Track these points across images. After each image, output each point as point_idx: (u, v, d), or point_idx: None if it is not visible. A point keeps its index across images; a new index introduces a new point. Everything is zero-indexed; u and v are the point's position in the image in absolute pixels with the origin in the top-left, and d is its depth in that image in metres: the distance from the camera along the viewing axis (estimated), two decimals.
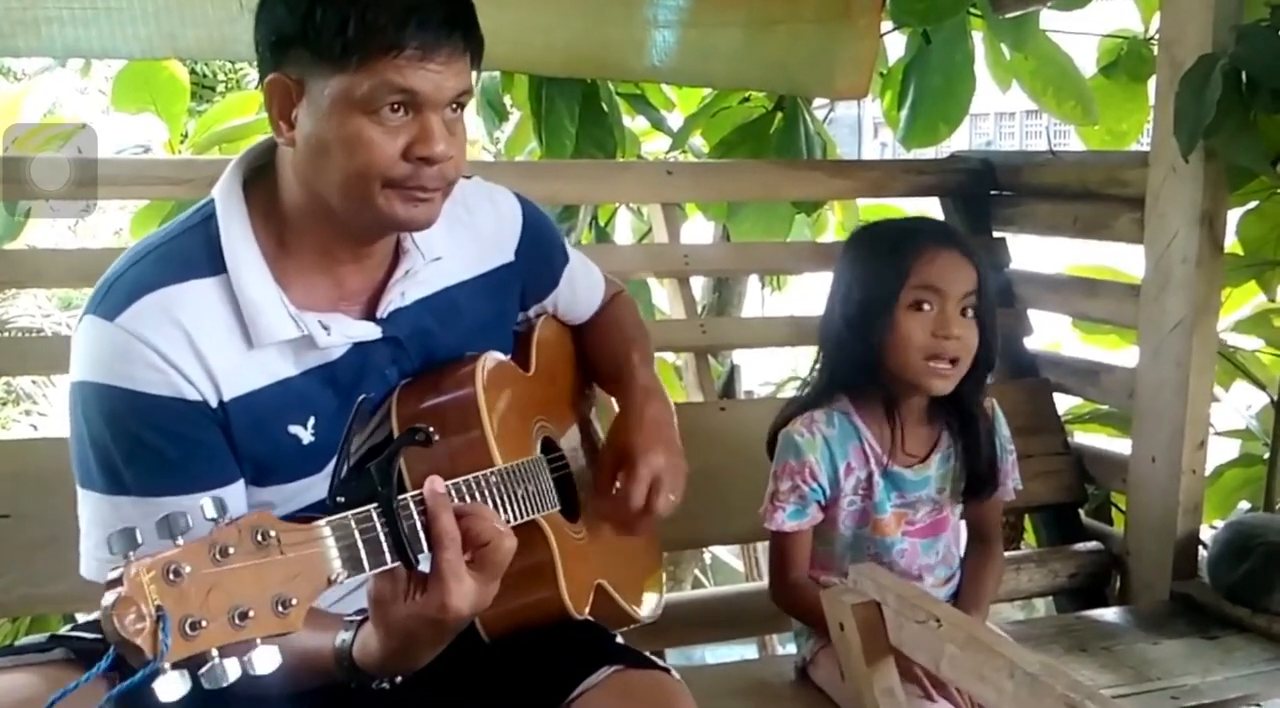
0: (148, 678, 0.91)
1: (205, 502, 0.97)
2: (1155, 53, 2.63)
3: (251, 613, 0.97)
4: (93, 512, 1.35)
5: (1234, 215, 2.54)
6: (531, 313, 1.74)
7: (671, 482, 1.60)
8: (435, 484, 1.17)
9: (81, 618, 1.64)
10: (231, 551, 0.97)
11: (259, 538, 1.00)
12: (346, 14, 1.26)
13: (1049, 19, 3.15)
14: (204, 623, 0.93)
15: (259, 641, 0.97)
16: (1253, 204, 2.64)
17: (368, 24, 1.26)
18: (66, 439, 2.14)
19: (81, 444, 1.34)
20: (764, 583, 2.02)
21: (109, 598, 0.91)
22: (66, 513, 1.99)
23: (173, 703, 0.92)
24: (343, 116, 1.29)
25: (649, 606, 1.71)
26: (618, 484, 1.59)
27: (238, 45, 2.52)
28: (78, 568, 1.99)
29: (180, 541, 0.95)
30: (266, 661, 0.97)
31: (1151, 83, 2.85)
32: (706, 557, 4.29)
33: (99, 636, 1.40)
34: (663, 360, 3.34)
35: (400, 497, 1.14)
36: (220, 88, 12.24)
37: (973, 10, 3.05)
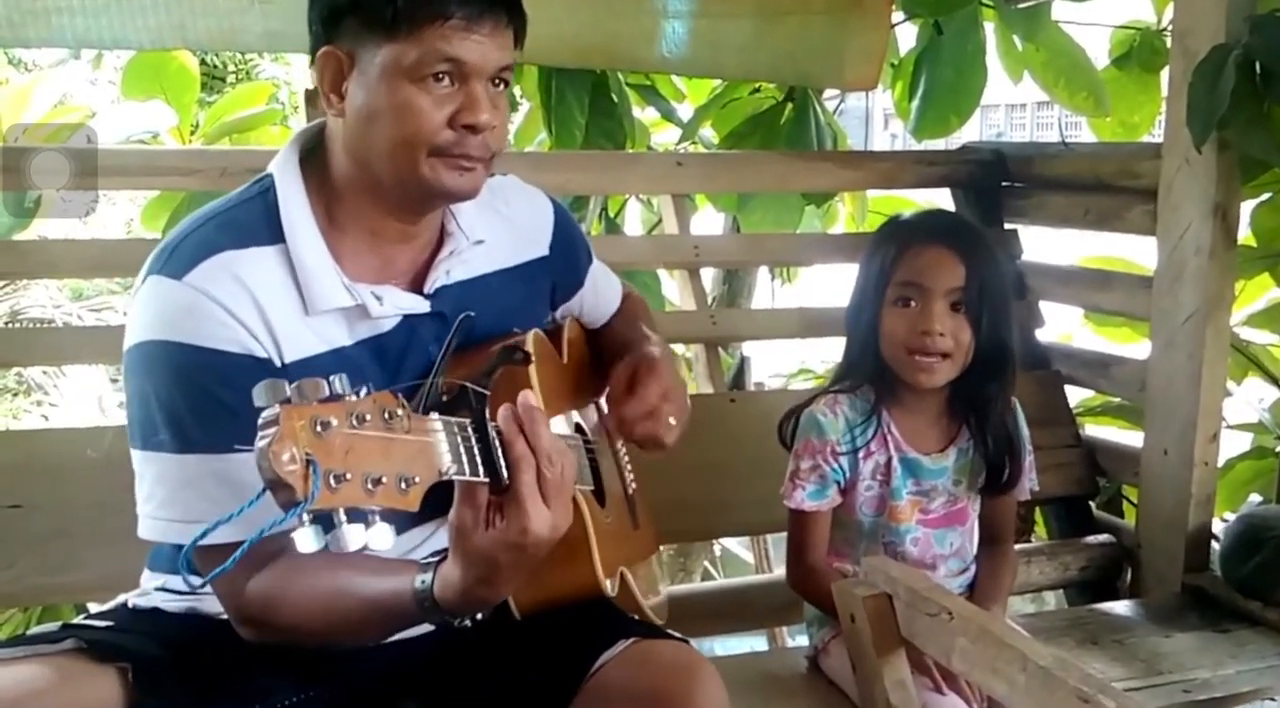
0: (289, 524, 0.94)
1: (334, 378, 1.00)
2: (1168, 44, 2.62)
3: (383, 481, 1.00)
4: (158, 472, 1.35)
5: (1247, 207, 2.53)
6: (558, 314, 1.77)
7: (678, 406, 1.61)
8: (507, 410, 1.18)
9: (93, 608, 1.64)
10: (368, 418, 1.00)
11: (387, 416, 1.02)
12: None
13: (1061, 10, 3.14)
14: (347, 476, 0.97)
15: (378, 516, 0.99)
16: (1266, 196, 2.63)
17: None
18: (77, 430, 2.15)
19: (145, 405, 1.34)
20: (773, 575, 2.02)
21: (264, 437, 0.94)
22: (77, 503, 2.01)
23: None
24: (392, 85, 1.34)
25: (655, 600, 1.72)
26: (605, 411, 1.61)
27: (248, 36, 2.52)
28: (89, 558, 2.02)
29: (316, 403, 0.97)
30: (384, 537, 0.99)
31: (1164, 74, 2.84)
32: (716, 549, 4.29)
33: (111, 624, 1.43)
34: (673, 352, 3.33)
35: (491, 422, 1.16)
36: (230, 78, 12.26)
37: (984, 1, 3.03)
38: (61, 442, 2.18)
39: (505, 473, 1.15)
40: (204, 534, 1.02)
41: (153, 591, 1.51)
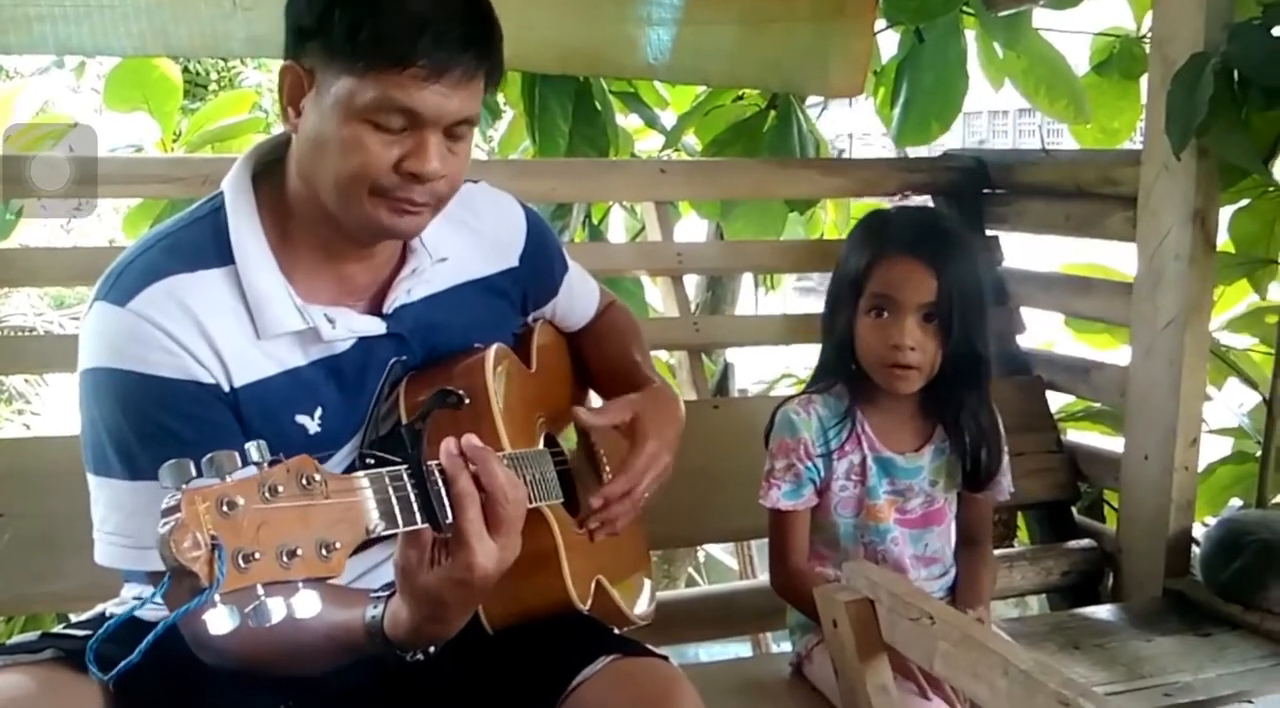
0: (200, 607, 0.92)
1: (250, 446, 0.99)
2: (1147, 51, 2.63)
3: (299, 552, 0.98)
4: (110, 498, 1.34)
5: (1226, 213, 2.54)
6: (529, 318, 1.75)
7: (659, 475, 1.60)
8: (451, 446, 1.17)
9: (74, 618, 1.63)
10: (280, 490, 0.99)
11: (304, 482, 1.01)
12: (361, 18, 1.27)
13: (1041, 17, 3.16)
14: (256, 555, 0.95)
15: (301, 584, 0.98)
16: (1244, 202, 2.64)
17: (381, 32, 1.27)
18: (59, 438, 2.13)
19: (95, 431, 1.34)
20: (757, 581, 2.02)
21: (165, 525, 0.92)
22: (60, 513, 2.00)
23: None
24: (344, 118, 1.30)
25: (643, 607, 1.72)
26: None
27: (230, 42, 2.52)
28: (71, 567, 2.00)
29: (229, 478, 0.96)
30: (308, 605, 0.98)
31: (1144, 81, 2.85)
32: (700, 555, 4.29)
33: (90, 633, 1.42)
34: (656, 359, 3.33)
35: (426, 464, 1.15)
36: (212, 86, 12.22)
37: (965, 9, 3.05)
38: (44, 451, 2.16)
39: (448, 513, 1.14)
40: (112, 627, 1.02)
41: (131, 600, 1.50)
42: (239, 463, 0.97)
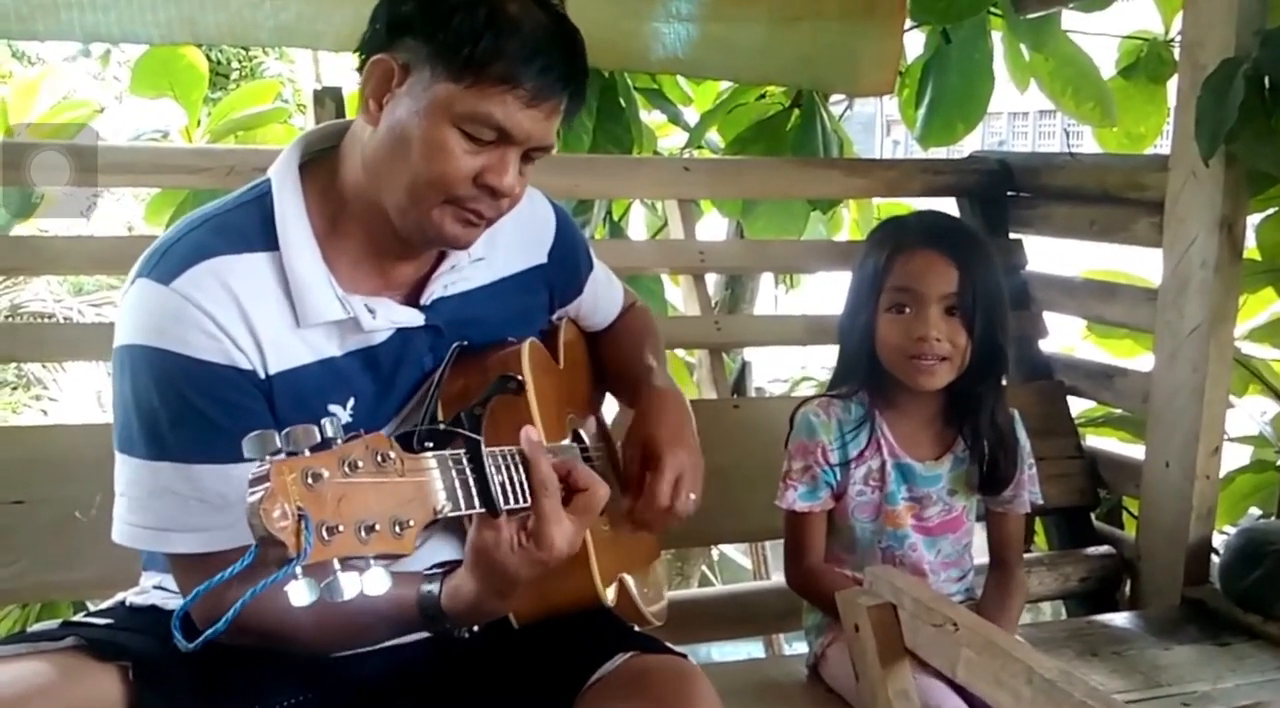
0: (285, 578, 0.93)
1: (325, 422, 0.99)
2: (1176, 55, 2.61)
3: (377, 528, 0.99)
4: (131, 476, 1.34)
5: (1253, 221, 2.52)
6: (554, 316, 1.75)
7: (693, 480, 1.59)
8: (531, 433, 1.20)
9: (91, 606, 1.63)
10: (360, 465, 1.00)
11: (379, 458, 1.02)
12: (481, 28, 1.28)
13: (1069, 19, 3.14)
14: (339, 529, 0.96)
15: (372, 561, 0.99)
16: (1272, 210, 2.63)
17: (496, 49, 1.28)
18: (78, 425, 2.13)
19: (126, 408, 1.33)
20: (771, 581, 2.02)
21: (255, 494, 0.93)
22: (78, 500, 2.01)
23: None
24: (436, 121, 1.31)
25: (657, 606, 1.72)
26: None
27: (258, 31, 2.51)
28: (89, 555, 2.01)
29: (307, 451, 0.96)
30: (378, 582, 0.99)
31: (1170, 85, 2.83)
32: (714, 554, 4.29)
33: (110, 622, 1.42)
34: (675, 357, 3.33)
35: (486, 450, 1.17)
36: (235, 75, 12.27)
37: (993, 10, 3.03)
38: (64, 438, 2.17)
39: (506, 500, 1.17)
40: (187, 604, 1.01)
41: (151, 589, 1.51)
42: (315, 437, 0.97)
